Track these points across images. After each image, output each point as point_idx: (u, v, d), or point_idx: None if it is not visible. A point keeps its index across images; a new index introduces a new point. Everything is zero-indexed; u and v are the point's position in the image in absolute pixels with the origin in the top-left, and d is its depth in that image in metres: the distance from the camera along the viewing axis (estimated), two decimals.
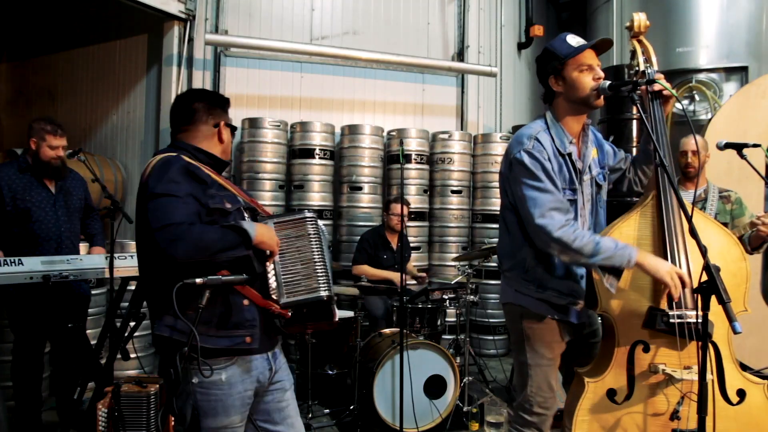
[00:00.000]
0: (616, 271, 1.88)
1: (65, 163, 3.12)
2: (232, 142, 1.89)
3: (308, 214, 1.79)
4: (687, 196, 2.90)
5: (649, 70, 2.05)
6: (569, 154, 2.00)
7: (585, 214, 2.05)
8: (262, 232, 1.64)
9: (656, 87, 1.99)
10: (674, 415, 1.90)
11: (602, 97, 1.97)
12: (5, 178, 3.00)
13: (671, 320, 1.87)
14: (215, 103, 1.83)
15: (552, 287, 2.02)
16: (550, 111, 2.08)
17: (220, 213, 1.64)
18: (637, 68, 2.10)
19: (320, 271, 1.74)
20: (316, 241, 1.76)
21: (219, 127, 1.81)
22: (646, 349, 1.94)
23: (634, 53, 2.12)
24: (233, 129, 1.88)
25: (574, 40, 2.01)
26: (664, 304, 1.91)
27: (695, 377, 1.83)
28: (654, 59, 2.08)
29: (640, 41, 2.11)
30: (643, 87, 1.98)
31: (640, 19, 2.10)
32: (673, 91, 1.95)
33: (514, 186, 1.98)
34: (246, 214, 1.76)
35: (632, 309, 1.95)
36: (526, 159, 1.93)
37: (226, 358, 1.64)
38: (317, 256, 1.74)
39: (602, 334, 2.13)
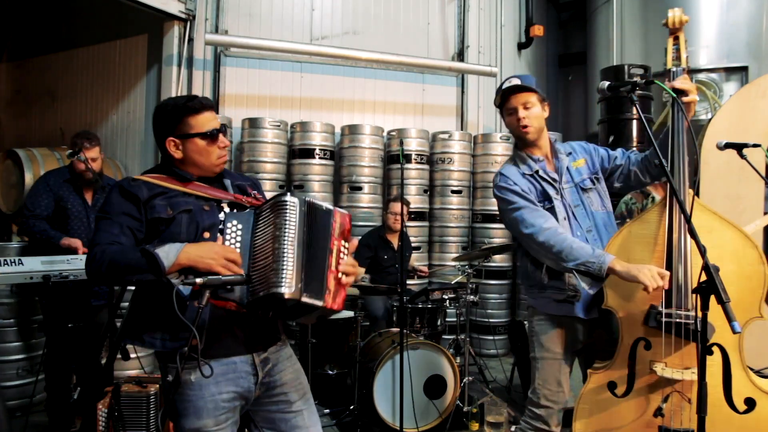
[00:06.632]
0: (594, 276, 1.98)
1: (100, 175, 3.25)
2: (207, 147, 1.70)
3: (284, 198, 1.57)
4: None
5: (675, 69, 2.04)
6: (536, 172, 2.22)
7: (570, 220, 2.19)
8: (189, 255, 1.52)
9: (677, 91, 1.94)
10: (658, 412, 1.91)
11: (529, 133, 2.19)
12: (52, 183, 3.25)
13: (662, 318, 1.90)
14: (160, 120, 1.74)
15: (551, 285, 2.18)
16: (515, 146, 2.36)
17: (158, 222, 1.62)
18: (664, 66, 2.09)
19: (287, 263, 1.51)
20: (291, 229, 1.54)
21: (166, 144, 1.72)
22: (648, 347, 1.96)
23: (666, 51, 2.08)
24: (199, 135, 1.69)
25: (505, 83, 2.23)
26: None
27: (689, 377, 1.85)
28: (684, 56, 2.03)
29: (676, 38, 2.05)
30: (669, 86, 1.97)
31: (675, 15, 2.02)
32: (668, 89, 1.91)
33: (503, 217, 2.28)
34: (206, 210, 1.67)
35: (636, 306, 1.98)
36: (498, 192, 2.25)
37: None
38: (287, 247, 1.52)
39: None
